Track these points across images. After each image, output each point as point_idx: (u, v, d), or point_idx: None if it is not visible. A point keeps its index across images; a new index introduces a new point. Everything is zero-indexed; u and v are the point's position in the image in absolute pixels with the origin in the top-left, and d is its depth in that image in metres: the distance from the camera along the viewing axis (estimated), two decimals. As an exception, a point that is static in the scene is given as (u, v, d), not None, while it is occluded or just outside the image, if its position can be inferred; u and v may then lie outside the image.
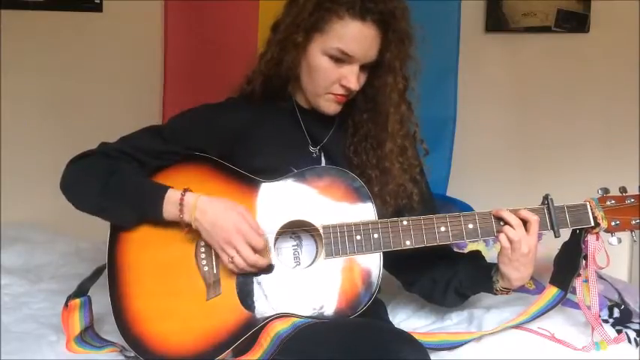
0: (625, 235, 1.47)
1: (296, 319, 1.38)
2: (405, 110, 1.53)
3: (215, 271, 1.42)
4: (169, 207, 1.40)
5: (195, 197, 1.39)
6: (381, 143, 1.52)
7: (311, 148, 1.57)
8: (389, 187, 1.51)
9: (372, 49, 1.46)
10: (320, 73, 1.47)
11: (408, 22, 1.48)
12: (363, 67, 1.48)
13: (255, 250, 1.38)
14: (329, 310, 1.40)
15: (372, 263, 1.43)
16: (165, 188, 1.41)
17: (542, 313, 1.46)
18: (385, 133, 1.52)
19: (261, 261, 1.39)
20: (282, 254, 1.47)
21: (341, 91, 1.48)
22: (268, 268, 1.42)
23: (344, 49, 1.44)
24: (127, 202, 1.41)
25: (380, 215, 1.47)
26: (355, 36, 1.43)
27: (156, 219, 1.42)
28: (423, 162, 1.61)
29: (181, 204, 1.38)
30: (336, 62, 1.46)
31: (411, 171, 1.55)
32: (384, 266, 1.44)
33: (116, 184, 1.43)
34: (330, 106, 1.51)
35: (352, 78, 1.46)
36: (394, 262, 1.54)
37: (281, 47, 1.49)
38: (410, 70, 1.51)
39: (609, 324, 1.59)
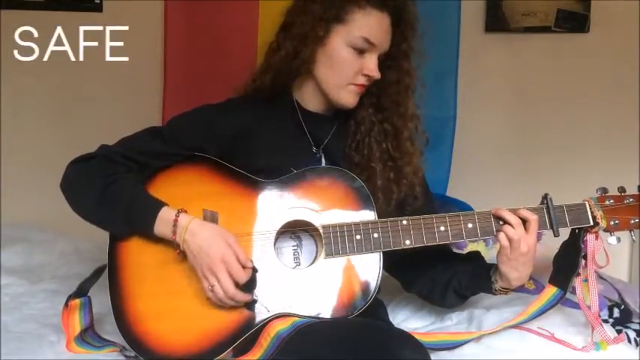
0: (625, 235, 1.47)
1: (296, 319, 1.38)
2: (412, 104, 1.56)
3: (215, 271, 1.42)
4: (161, 225, 1.39)
5: (189, 219, 1.38)
6: (400, 130, 1.54)
7: (313, 149, 1.57)
8: (405, 170, 1.53)
9: (388, 39, 1.50)
10: (344, 65, 1.49)
11: (417, 16, 1.53)
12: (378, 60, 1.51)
13: (237, 284, 1.36)
14: (328, 309, 1.40)
15: (372, 263, 1.43)
16: (159, 205, 1.40)
17: (542, 313, 1.46)
18: (402, 119, 1.54)
19: (239, 296, 1.36)
20: (283, 254, 1.47)
21: (363, 80, 1.50)
22: (250, 304, 1.39)
23: (369, 38, 1.47)
24: (120, 215, 1.41)
25: (383, 206, 1.48)
26: (376, 25, 1.47)
27: (146, 235, 1.41)
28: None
29: (175, 224, 1.37)
30: (359, 52, 1.48)
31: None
32: (384, 267, 1.44)
33: (111, 197, 1.42)
34: (350, 97, 1.52)
35: (373, 66, 1.49)
36: (394, 262, 1.54)
37: (299, 40, 1.49)
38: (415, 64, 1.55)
39: (609, 324, 1.60)
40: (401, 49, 1.53)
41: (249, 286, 1.38)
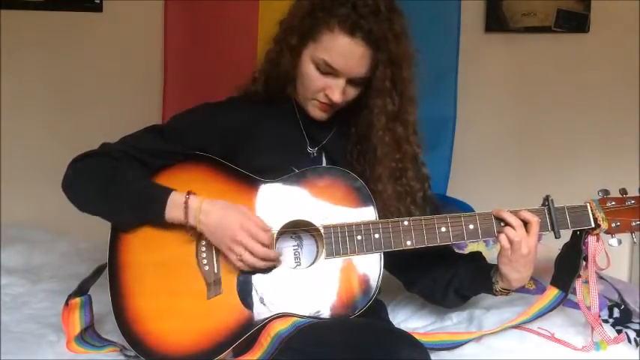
0: (625, 237, 1.47)
1: (296, 319, 1.38)
2: (402, 132, 1.49)
3: (216, 271, 1.42)
4: (172, 210, 1.40)
5: (200, 200, 1.40)
6: (373, 165, 1.51)
7: (309, 149, 1.57)
8: (383, 207, 1.48)
9: (360, 66, 1.44)
10: (307, 80, 1.48)
11: (404, 45, 1.45)
12: (353, 82, 1.47)
13: (263, 245, 1.38)
14: (329, 310, 1.40)
15: (373, 263, 1.43)
16: (168, 190, 1.41)
17: (543, 314, 1.47)
18: (375, 157, 1.50)
19: (271, 254, 1.39)
20: (283, 254, 1.47)
21: (325, 100, 1.48)
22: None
23: (329, 62, 1.43)
24: (128, 205, 1.41)
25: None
26: (342, 51, 1.42)
27: (157, 221, 1.41)
28: (428, 185, 1.57)
29: (186, 207, 1.38)
30: (323, 72, 1.45)
31: (412, 193, 1.52)
32: (385, 266, 1.44)
33: (118, 186, 1.42)
34: (315, 112, 1.52)
35: (336, 91, 1.46)
36: (395, 262, 1.54)
37: (280, 47, 1.50)
38: (409, 94, 1.48)
39: (609, 324, 1.60)
40: (374, 80, 1.46)
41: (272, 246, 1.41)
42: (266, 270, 1.42)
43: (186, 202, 1.39)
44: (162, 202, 1.40)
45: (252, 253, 1.37)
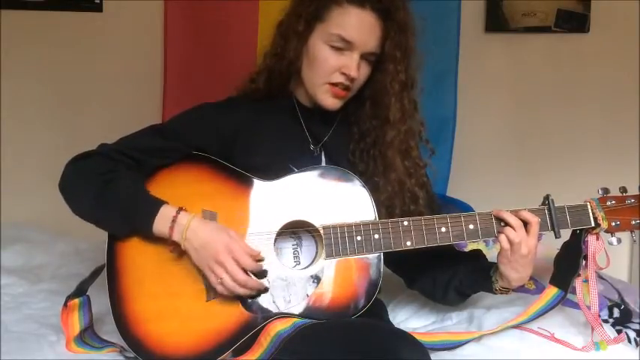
0: (625, 236, 1.47)
1: (296, 319, 1.38)
2: (407, 104, 1.52)
3: (215, 272, 1.41)
4: (160, 223, 1.37)
5: (190, 217, 1.37)
6: (384, 135, 1.52)
7: (311, 147, 1.57)
8: (391, 181, 1.49)
9: (372, 37, 1.47)
10: (320, 62, 1.48)
11: (409, 14, 1.49)
12: (365, 60, 1.49)
13: (245, 272, 1.36)
14: (329, 310, 1.40)
15: (373, 264, 1.43)
16: (159, 203, 1.39)
17: (542, 314, 1.46)
18: (387, 125, 1.51)
19: (251, 282, 1.36)
20: (282, 254, 1.47)
21: (341, 79, 1.48)
22: (261, 291, 1.39)
23: (344, 36, 1.45)
24: (119, 215, 1.39)
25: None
26: (354, 23, 1.45)
27: (145, 233, 1.40)
28: (429, 162, 1.59)
29: (173, 222, 1.36)
30: (337, 50, 1.47)
31: (417, 174, 1.53)
32: (386, 263, 1.44)
33: (110, 196, 1.40)
34: (327, 99, 1.51)
35: (352, 65, 1.47)
36: (396, 260, 1.54)
37: (284, 39, 1.50)
38: (413, 65, 1.51)
39: (609, 324, 1.60)
40: (386, 48, 1.49)
41: (258, 275, 1.39)
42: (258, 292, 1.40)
43: (174, 218, 1.37)
44: (152, 215, 1.38)
45: (232, 277, 1.35)
